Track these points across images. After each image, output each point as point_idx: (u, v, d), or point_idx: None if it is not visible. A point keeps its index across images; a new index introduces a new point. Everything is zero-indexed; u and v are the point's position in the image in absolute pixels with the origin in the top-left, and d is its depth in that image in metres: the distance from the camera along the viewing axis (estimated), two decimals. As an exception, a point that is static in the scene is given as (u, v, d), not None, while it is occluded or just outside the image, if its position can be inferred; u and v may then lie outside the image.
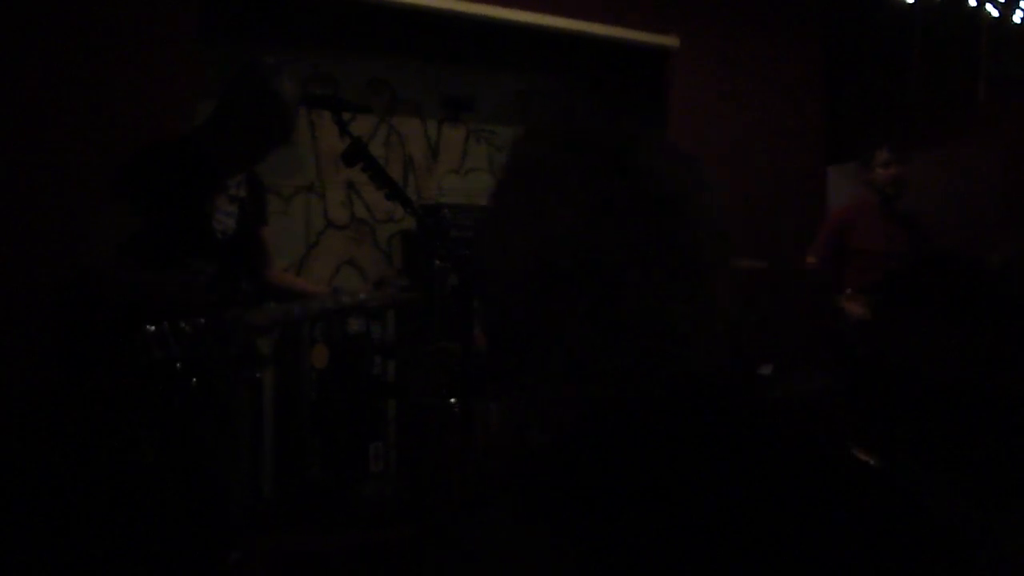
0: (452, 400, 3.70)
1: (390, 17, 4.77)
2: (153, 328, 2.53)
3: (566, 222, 0.93)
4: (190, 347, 2.57)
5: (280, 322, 2.93)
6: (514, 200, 1.00)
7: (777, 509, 0.86)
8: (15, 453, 3.32)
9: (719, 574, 0.83)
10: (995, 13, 5.07)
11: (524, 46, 5.27)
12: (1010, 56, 5.38)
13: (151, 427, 2.58)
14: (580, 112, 1.08)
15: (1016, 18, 5.09)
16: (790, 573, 0.84)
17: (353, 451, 4.51)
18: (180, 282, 2.65)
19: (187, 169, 2.71)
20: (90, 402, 2.58)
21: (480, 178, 5.40)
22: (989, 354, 1.61)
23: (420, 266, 4.81)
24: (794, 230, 5.02)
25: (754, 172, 5.52)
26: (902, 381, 1.73)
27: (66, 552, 3.05)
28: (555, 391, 0.98)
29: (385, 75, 5.08)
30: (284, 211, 4.80)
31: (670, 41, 5.40)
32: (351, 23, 4.84)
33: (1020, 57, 5.32)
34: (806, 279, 4.51)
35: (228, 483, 2.84)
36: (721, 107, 5.61)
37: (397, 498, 4.56)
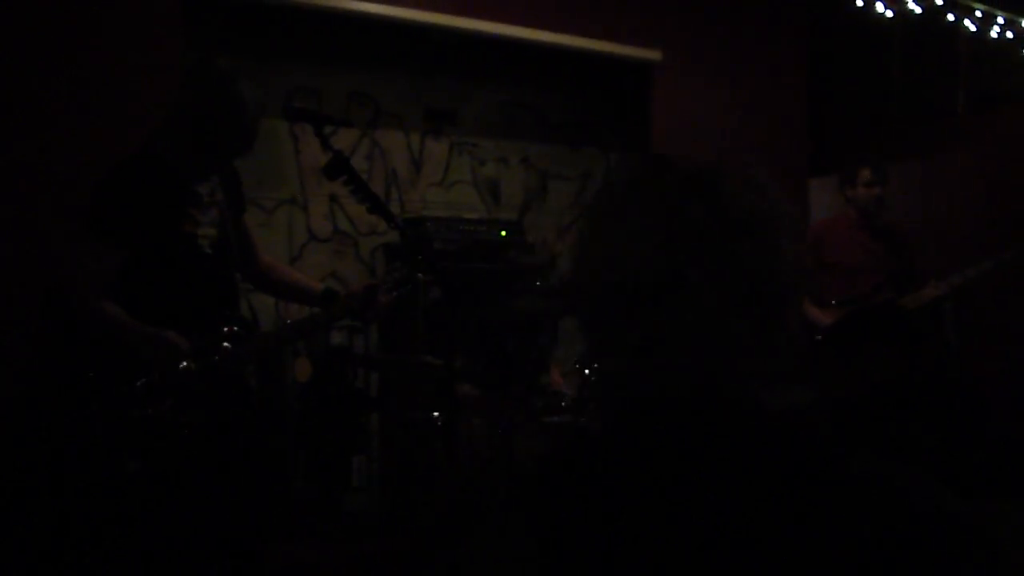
0: (435, 414, 3.69)
1: (372, 30, 4.77)
2: (142, 382, 2.51)
3: (650, 243, 0.98)
4: (179, 398, 2.54)
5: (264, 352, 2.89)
6: (602, 222, 1.05)
7: (784, 526, 0.89)
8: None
9: None
10: (973, 28, 5.13)
11: (507, 59, 5.28)
12: (988, 70, 5.44)
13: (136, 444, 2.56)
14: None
15: (993, 33, 5.14)
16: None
17: (336, 464, 4.49)
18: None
19: (157, 186, 2.62)
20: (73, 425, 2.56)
21: (463, 191, 5.41)
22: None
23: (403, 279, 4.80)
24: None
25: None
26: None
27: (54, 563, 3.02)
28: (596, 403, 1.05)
29: (368, 88, 5.07)
30: (267, 224, 4.78)
31: (653, 55, 5.42)
32: (333, 36, 4.84)
33: (997, 71, 5.38)
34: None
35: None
36: (704, 120, 5.63)
37: (380, 511, 4.55)
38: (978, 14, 5.11)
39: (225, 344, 2.65)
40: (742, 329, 0.97)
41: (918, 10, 5.10)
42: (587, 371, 3.33)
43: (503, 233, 4.94)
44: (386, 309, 2.91)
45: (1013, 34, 5.17)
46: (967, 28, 5.15)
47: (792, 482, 0.92)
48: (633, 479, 0.94)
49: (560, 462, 1.03)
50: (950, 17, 5.11)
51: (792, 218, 1.05)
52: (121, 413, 2.49)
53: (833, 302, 4.27)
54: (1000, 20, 5.13)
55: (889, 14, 5.20)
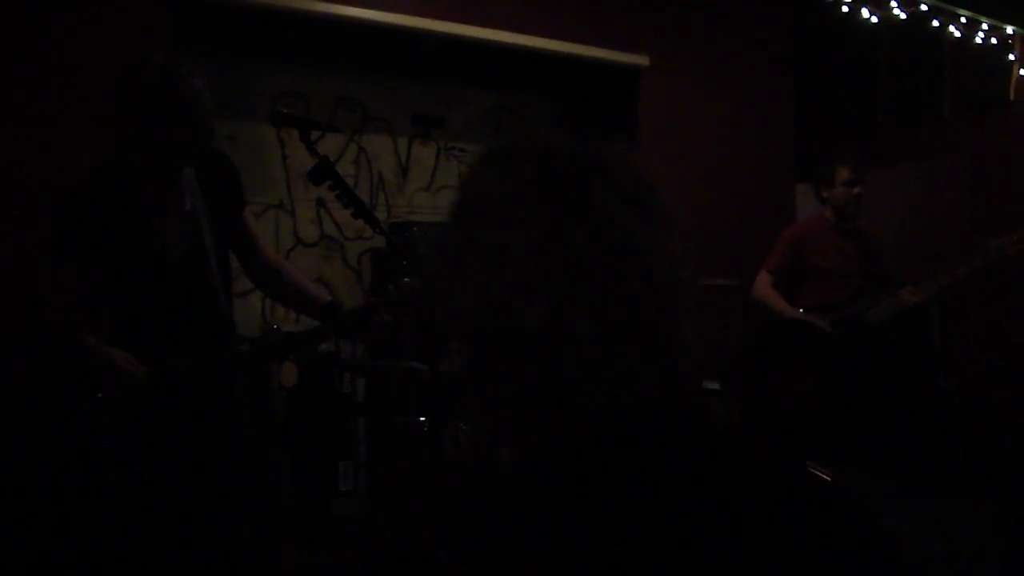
0: (422, 419, 3.69)
1: (360, 35, 4.77)
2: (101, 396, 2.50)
3: (531, 278, 0.92)
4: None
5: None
6: (477, 237, 0.98)
7: (741, 523, 0.89)
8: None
9: None
10: (957, 34, 5.16)
11: (495, 64, 5.29)
12: (972, 75, 5.47)
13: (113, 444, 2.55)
14: (541, 142, 1.06)
15: (978, 39, 5.17)
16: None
17: (323, 470, 4.48)
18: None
19: (114, 200, 2.55)
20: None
21: (450, 195, 5.38)
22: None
23: (389, 284, 4.79)
24: (764, 247, 5.06)
25: (724, 190, 5.57)
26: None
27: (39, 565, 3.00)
28: (518, 415, 0.99)
29: (355, 93, 5.08)
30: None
31: (640, 60, 5.44)
32: (321, 40, 4.84)
33: (982, 76, 5.41)
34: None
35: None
36: (691, 126, 5.65)
37: (367, 516, 4.54)
38: (963, 20, 5.14)
39: (188, 359, 2.60)
40: (634, 360, 0.93)
41: (903, 16, 5.13)
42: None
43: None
44: (384, 330, 2.75)
45: (997, 40, 5.20)
46: (952, 34, 5.18)
47: (738, 490, 0.92)
48: (599, 495, 0.92)
49: (543, 470, 1.00)
50: (935, 23, 5.14)
51: (678, 229, 0.99)
52: (89, 422, 2.48)
53: (801, 310, 4.26)
54: (985, 26, 5.16)
55: (875, 20, 5.22)
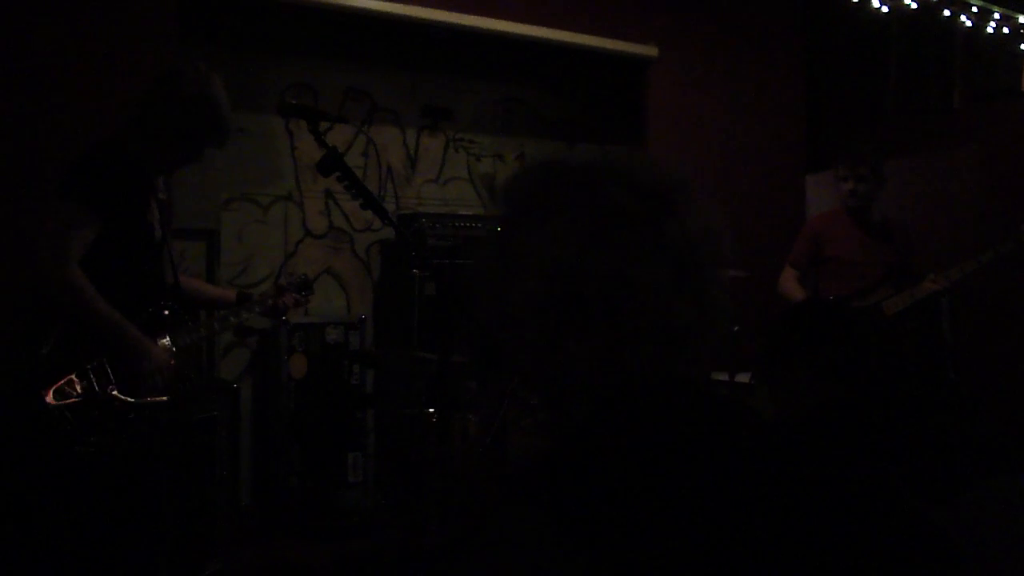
0: (430, 410, 3.69)
1: (369, 25, 4.77)
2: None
3: (582, 236, 1.00)
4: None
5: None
6: (520, 231, 1.07)
7: (771, 506, 0.93)
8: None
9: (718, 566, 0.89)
10: (968, 24, 5.12)
11: (503, 55, 5.28)
12: (984, 65, 5.43)
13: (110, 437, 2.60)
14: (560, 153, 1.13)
15: (989, 28, 5.14)
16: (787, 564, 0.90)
17: (331, 461, 4.49)
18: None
19: (130, 172, 2.74)
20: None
21: (459, 187, 5.40)
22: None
23: (398, 275, 4.80)
24: (774, 238, 5.04)
25: (733, 180, 5.55)
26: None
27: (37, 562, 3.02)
28: (568, 400, 1.05)
29: (364, 84, 5.07)
30: (262, 220, 4.79)
31: (649, 51, 5.42)
32: (330, 31, 4.84)
33: (993, 66, 5.37)
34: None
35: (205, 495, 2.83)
36: (701, 116, 5.64)
37: (376, 508, 4.55)
38: (974, 9, 5.10)
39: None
40: (682, 308, 1.00)
41: (914, 6, 5.09)
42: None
43: (498, 230, 4.93)
44: (288, 308, 3.22)
45: (1009, 29, 5.16)
46: (963, 23, 5.14)
47: (772, 472, 0.96)
48: (624, 462, 0.96)
49: (560, 453, 1.04)
50: (946, 13, 5.11)
51: (697, 189, 1.06)
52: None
53: (831, 298, 4.27)
54: (996, 16, 5.13)
55: (885, 10, 5.19)
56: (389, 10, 4.57)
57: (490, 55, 5.26)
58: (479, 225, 4.92)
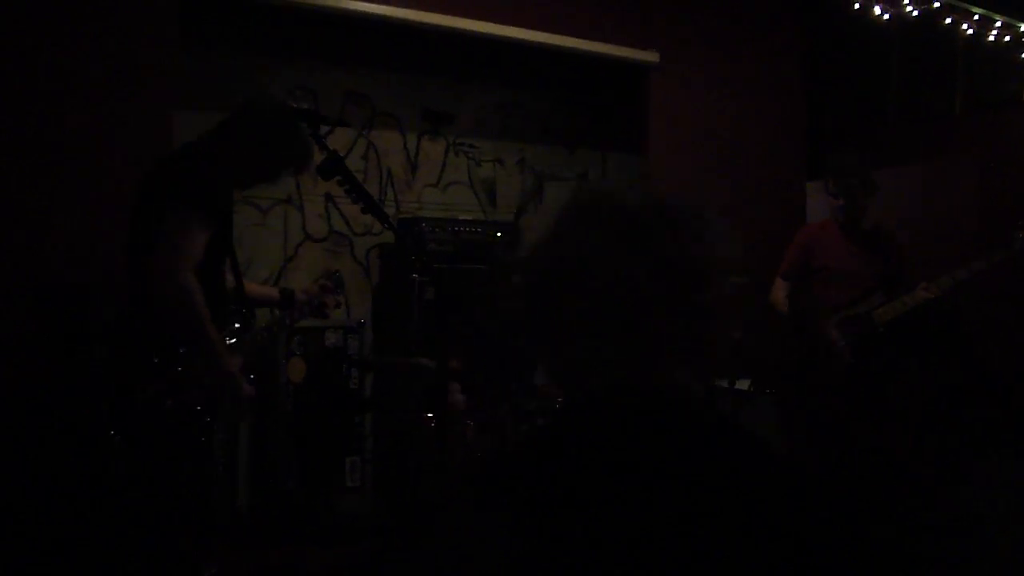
0: (428, 415, 3.69)
1: (370, 30, 4.77)
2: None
3: (599, 243, 1.11)
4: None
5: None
6: (571, 244, 1.15)
7: (730, 510, 0.99)
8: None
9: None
10: (970, 31, 5.12)
11: (505, 60, 5.28)
12: (985, 73, 5.43)
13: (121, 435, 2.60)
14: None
15: (990, 36, 5.14)
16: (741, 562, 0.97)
17: (329, 465, 4.48)
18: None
19: (226, 183, 2.84)
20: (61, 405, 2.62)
21: (459, 191, 5.40)
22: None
23: (398, 280, 4.79)
24: (774, 245, 5.04)
25: (734, 186, 5.55)
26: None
27: (36, 561, 3.02)
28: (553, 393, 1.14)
29: (365, 88, 5.07)
30: (262, 223, 4.78)
31: (650, 56, 5.42)
32: (331, 35, 4.84)
33: (994, 74, 5.38)
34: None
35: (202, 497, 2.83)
36: (701, 122, 5.63)
37: (373, 512, 4.54)
38: (976, 17, 5.10)
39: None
40: (668, 321, 1.07)
41: (915, 13, 5.09)
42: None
43: (498, 235, 4.93)
44: (329, 307, 3.32)
45: (1010, 37, 5.16)
46: (965, 31, 5.15)
47: (732, 479, 1.01)
48: (581, 462, 1.02)
49: (516, 452, 1.12)
50: (948, 20, 5.11)
51: (712, 216, 1.15)
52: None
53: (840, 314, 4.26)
54: (998, 24, 5.13)
55: (887, 17, 5.19)
56: (390, 14, 4.57)
57: (491, 60, 5.26)
58: (479, 230, 4.91)
